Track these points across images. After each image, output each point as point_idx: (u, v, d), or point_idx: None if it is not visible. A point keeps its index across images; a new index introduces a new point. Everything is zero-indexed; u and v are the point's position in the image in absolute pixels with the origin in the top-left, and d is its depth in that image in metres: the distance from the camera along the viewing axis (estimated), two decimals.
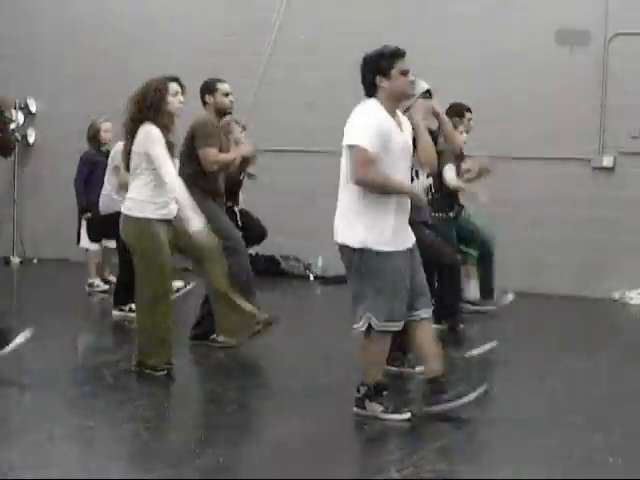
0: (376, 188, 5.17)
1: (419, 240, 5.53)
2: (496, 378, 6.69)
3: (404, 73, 5.25)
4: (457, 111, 8.44)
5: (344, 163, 5.26)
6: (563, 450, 4.88)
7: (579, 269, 10.76)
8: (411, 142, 5.46)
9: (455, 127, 7.86)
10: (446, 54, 11.01)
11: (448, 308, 7.87)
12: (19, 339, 6.09)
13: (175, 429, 5.22)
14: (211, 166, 7.12)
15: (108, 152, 9.43)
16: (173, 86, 6.38)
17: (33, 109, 13.31)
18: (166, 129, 6.23)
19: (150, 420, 5.41)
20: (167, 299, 6.22)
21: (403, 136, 5.30)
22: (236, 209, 8.92)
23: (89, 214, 9.07)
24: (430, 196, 7.05)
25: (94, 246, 10.06)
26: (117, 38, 12.70)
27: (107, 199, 8.77)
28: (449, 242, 7.98)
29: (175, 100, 6.34)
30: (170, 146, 6.24)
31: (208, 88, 7.26)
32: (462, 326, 8.08)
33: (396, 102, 5.31)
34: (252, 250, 9.66)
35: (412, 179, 6.12)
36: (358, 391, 5.39)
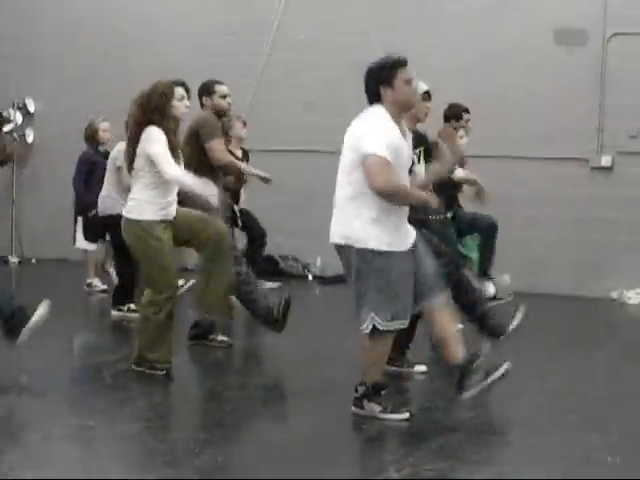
0: (398, 197, 5.15)
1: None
2: (491, 384, 6.68)
3: (408, 82, 5.25)
4: (455, 113, 8.42)
5: (344, 165, 5.23)
6: (562, 450, 4.89)
7: (577, 269, 10.78)
8: (411, 152, 5.49)
9: (455, 130, 7.86)
10: (444, 53, 11.02)
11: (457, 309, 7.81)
12: (40, 310, 6.08)
13: (174, 428, 5.23)
14: (219, 159, 7.08)
15: (107, 152, 9.40)
16: (179, 90, 6.38)
17: (31, 109, 13.31)
18: (171, 133, 6.23)
19: (149, 420, 5.42)
20: (171, 298, 6.22)
21: (407, 145, 5.31)
22: (236, 208, 8.96)
23: (94, 212, 9.03)
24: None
25: (92, 246, 10.06)
26: (117, 38, 12.71)
27: (106, 200, 8.76)
28: (449, 244, 7.92)
29: (181, 105, 6.35)
30: (175, 150, 6.23)
31: (206, 90, 7.25)
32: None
33: (401, 111, 5.29)
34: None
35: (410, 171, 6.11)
36: (356, 391, 5.40)
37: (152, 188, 6.18)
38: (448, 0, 11.40)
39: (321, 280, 11.55)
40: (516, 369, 6.88)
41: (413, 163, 6.12)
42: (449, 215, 8.36)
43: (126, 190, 7.09)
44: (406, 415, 5.35)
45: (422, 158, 6.39)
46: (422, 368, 6.59)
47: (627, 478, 4.54)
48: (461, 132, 8.01)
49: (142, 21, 12.75)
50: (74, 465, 4.58)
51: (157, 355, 6.26)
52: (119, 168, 8.48)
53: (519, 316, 6.97)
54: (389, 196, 5.10)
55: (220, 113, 7.29)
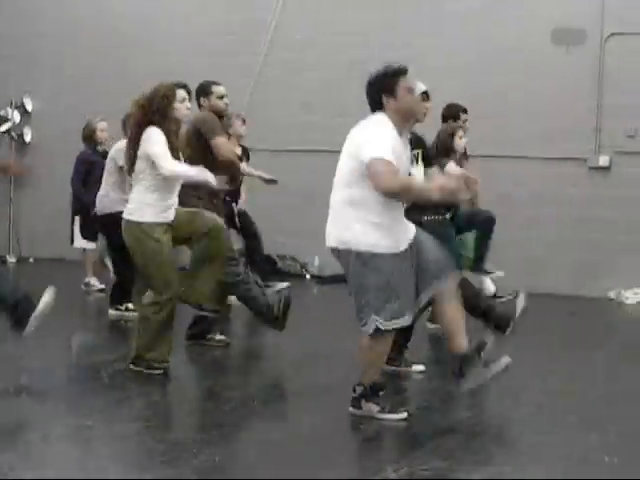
0: (406, 194, 5.15)
1: None
2: (493, 377, 6.67)
3: (410, 90, 5.24)
4: (453, 113, 8.41)
5: (343, 172, 5.21)
6: (561, 450, 4.89)
7: (575, 269, 10.79)
8: (409, 160, 5.50)
9: (454, 133, 7.86)
10: (443, 53, 11.03)
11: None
12: (46, 297, 6.07)
13: (172, 428, 5.22)
14: (226, 154, 7.09)
15: (105, 152, 9.37)
16: (180, 92, 6.37)
17: (29, 108, 13.30)
18: (172, 135, 6.23)
19: (147, 419, 5.41)
20: (171, 299, 6.22)
21: (406, 155, 5.30)
22: (234, 206, 8.97)
23: (95, 212, 9.02)
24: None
25: (90, 245, 10.04)
26: (117, 38, 12.71)
27: (104, 199, 8.74)
28: (448, 245, 7.83)
29: (182, 107, 6.35)
30: (176, 151, 6.22)
31: (203, 91, 7.24)
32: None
33: (404, 120, 5.27)
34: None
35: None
36: (354, 391, 5.39)
37: (153, 190, 6.18)
38: (447, 0, 11.40)
39: (319, 280, 11.55)
40: (515, 368, 6.87)
41: (411, 164, 6.12)
42: (447, 216, 8.32)
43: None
44: (404, 415, 5.35)
45: (420, 160, 6.38)
46: (420, 367, 6.59)
47: (625, 478, 4.54)
48: (460, 132, 7.99)
49: (142, 21, 12.75)
50: (72, 465, 4.57)
51: (155, 354, 6.26)
52: (121, 168, 8.45)
53: (521, 302, 6.96)
54: (397, 194, 5.09)
55: (218, 114, 7.28)
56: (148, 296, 6.31)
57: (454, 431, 5.22)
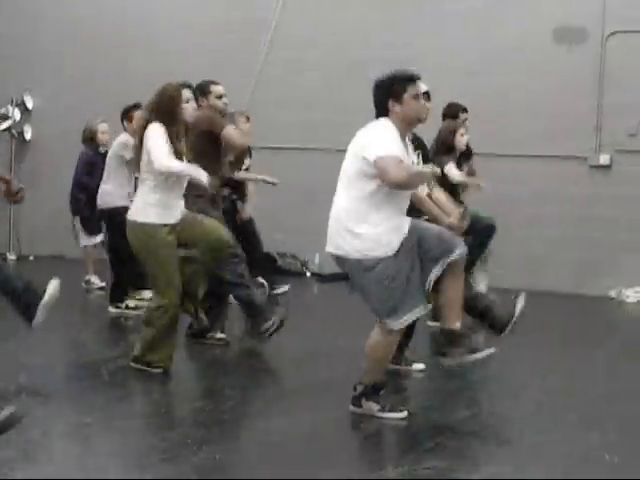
0: (413, 183, 5.18)
1: None
2: (493, 376, 6.69)
3: (416, 97, 5.22)
4: (453, 112, 8.41)
5: (348, 175, 5.19)
6: (562, 448, 4.89)
7: (576, 267, 10.78)
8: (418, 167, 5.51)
9: (456, 130, 7.85)
10: (444, 53, 11.01)
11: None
12: (51, 288, 6.06)
13: (172, 426, 5.22)
14: (239, 141, 7.12)
15: (107, 153, 9.31)
16: (185, 93, 6.34)
17: (29, 105, 13.30)
18: (178, 136, 6.19)
19: (147, 417, 5.42)
20: (176, 300, 6.21)
21: (408, 161, 5.30)
22: (239, 205, 9.03)
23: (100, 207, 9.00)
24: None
25: (96, 239, 9.95)
26: (117, 38, 12.69)
27: (105, 195, 8.75)
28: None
29: (188, 107, 6.32)
30: (181, 155, 6.19)
31: (202, 90, 7.21)
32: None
33: (408, 126, 5.28)
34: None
35: None
36: (355, 389, 5.39)
37: (156, 191, 6.15)
38: (448, 0, 11.39)
39: (319, 277, 11.54)
40: (515, 367, 6.90)
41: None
42: None
43: None
44: (404, 414, 5.34)
45: (420, 162, 6.38)
46: (420, 366, 6.58)
47: (626, 476, 4.54)
48: (462, 130, 7.98)
49: (142, 21, 12.73)
50: (72, 462, 4.57)
51: (157, 357, 6.25)
52: (128, 162, 8.40)
53: (520, 305, 6.91)
54: (407, 186, 5.13)
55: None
56: (153, 298, 6.30)
57: (454, 430, 5.21)
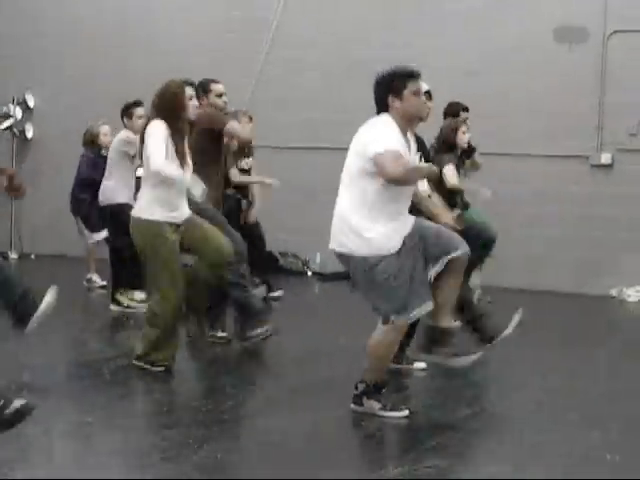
0: (410, 179, 5.16)
1: None
2: (493, 375, 6.69)
3: (417, 94, 5.23)
4: (453, 111, 8.42)
5: (351, 172, 5.18)
6: (562, 448, 4.89)
7: (577, 266, 10.78)
8: (417, 163, 5.50)
9: (458, 128, 7.83)
10: (444, 52, 11.01)
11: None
12: (48, 297, 6.06)
13: (173, 425, 5.22)
14: (245, 134, 7.26)
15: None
16: (188, 90, 6.35)
17: (31, 104, 13.30)
18: (181, 134, 6.18)
19: (148, 416, 5.43)
20: (178, 300, 6.20)
21: (410, 157, 5.30)
22: (243, 203, 9.06)
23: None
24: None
25: (97, 237, 9.92)
26: (117, 38, 12.69)
27: (106, 191, 8.75)
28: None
29: (190, 104, 6.32)
30: (183, 155, 6.17)
31: (202, 89, 7.22)
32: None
33: (408, 122, 5.27)
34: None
35: None
36: (356, 388, 5.40)
37: (159, 189, 6.14)
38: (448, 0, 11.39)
39: (320, 277, 11.55)
40: (516, 366, 6.90)
41: None
42: (456, 211, 8.23)
43: None
44: (405, 413, 5.35)
45: (422, 162, 6.39)
46: (421, 365, 6.58)
47: (627, 475, 4.54)
48: (464, 127, 7.97)
49: (142, 20, 12.73)
50: (73, 461, 4.57)
51: (161, 355, 6.24)
52: (133, 157, 8.39)
53: (514, 322, 6.82)
54: (404, 181, 5.11)
55: None
56: (154, 296, 6.29)
57: (455, 429, 5.21)
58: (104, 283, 10.03)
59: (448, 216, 6.32)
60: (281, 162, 11.13)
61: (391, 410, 5.33)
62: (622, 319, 9.83)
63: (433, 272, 5.20)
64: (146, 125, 6.23)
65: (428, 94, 6.66)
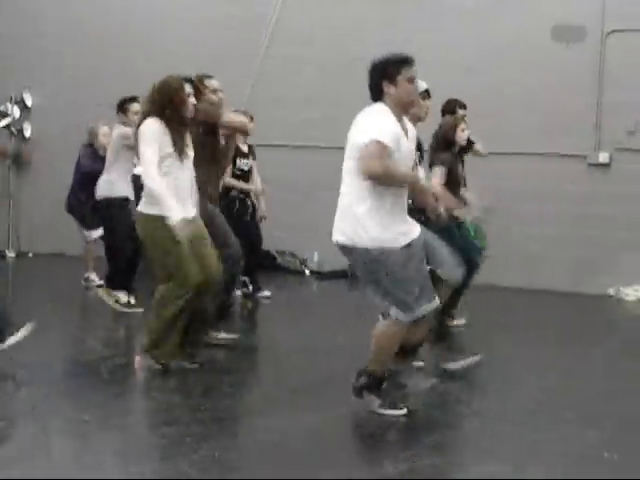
0: (387, 180, 5.09)
1: None
2: (492, 374, 6.69)
3: (410, 80, 5.23)
4: (451, 108, 8.41)
5: (350, 165, 5.18)
6: (559, 446, 4.89)
7: (574, 265, 10.78)
8: (414, 148, 5.48)
9: (457, 125, 7.82)
10: (442, 49, 11.00)
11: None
12: (21, 333, 6.06)
13: (171, 423, 5.22)
14: (240, 124, 7.18)
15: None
16: (186, 87, 6.33)
17: (29, 103, 13.29)
18: (179, 132, 6.14)
19: (146, 414, 5.42)
20: (184, 295, 6.13)
21: (408, 143, 5.29)
22: (249, 203, 9.08)
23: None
24: None
25: (94, 235, 9.91)
26: (118, 37, 12.68)
27: (103, 184, 8.74)
28: (451, 242, 7.06)
29: (189, 101, 6.29)
30: (182, 150, 6.15)
31: (196, 85, 7.19)
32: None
33: (402, 109, 5.27)
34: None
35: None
36: (357, 379, 5.38)
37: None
38: None
39: (318, 275, 11.55)
40: (514, 365, 6.91)
41: (415, 164, 6.10)
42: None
43: None
44: (404, 411, 5.35)
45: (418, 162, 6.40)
46: (420, 364, 6.58)
47: (624, 474, 4.54)
48: (462, 125, 7.94)
49: (142, 20, 12.72)
50: (70, 459, 4.57)
51: (162, 352, 6.22)
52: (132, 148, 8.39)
53: (468, 362, 6.63)
54: (381, 181, 5.06)
55: None
56: (159, 290, 6.21)
57: (453, 427, 5.22)
58: (102, 282, 10.02)
59: (446, 195, 6.22)
60: (279, 160, 11.14)
61: (390, 408, 5.33)
62: (619, 318, 9.83)
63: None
64: (140, 122, 6.20)
65: (427, 93, 6.65)
